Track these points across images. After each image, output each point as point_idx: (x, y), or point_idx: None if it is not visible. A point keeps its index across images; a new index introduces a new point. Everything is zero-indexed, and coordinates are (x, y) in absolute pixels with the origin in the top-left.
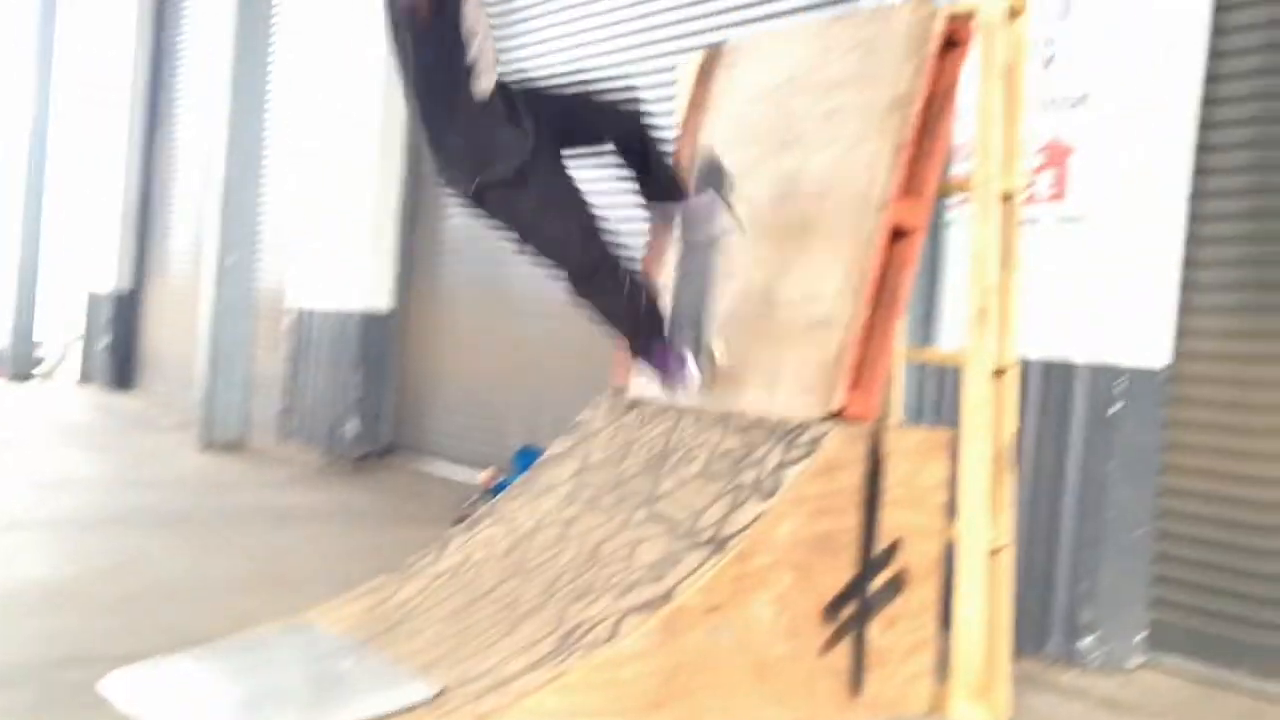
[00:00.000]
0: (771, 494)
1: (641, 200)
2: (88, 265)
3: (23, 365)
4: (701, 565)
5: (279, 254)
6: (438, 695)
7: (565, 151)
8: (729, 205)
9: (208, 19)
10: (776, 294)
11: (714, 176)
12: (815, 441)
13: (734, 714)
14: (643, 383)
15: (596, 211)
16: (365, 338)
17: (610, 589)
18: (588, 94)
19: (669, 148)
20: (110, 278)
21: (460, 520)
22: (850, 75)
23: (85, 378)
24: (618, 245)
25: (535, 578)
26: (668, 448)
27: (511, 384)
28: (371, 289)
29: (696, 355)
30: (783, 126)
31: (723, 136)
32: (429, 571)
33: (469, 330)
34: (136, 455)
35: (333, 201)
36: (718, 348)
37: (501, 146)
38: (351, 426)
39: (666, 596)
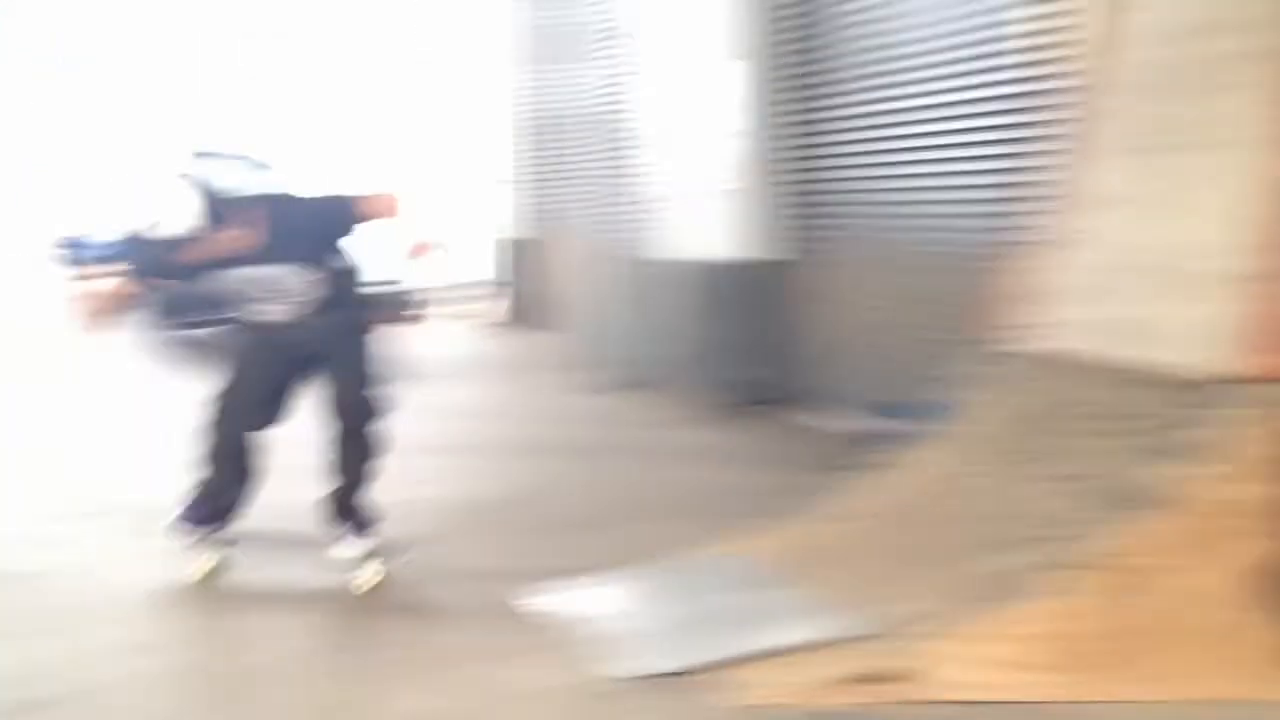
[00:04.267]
0: (1197, 454)
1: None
2: (497, 212)
3: (394, 305)
4: (1137, 525)
5: (677, 201)
6: (871, 633)
7: None
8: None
9: None
10: (1163, 249)
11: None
12: (1245, 403)
13: (1177, 683)
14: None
15: None
16: (758, 287)
17: (1026, 542)
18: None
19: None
20: (518, 224)
21: (844, 468)
22: (1236, 20)
23: (496, 319)
24: None
25: (944, 526)
26: (1061, 403)
27: (894, 337)
28: (769, 239)
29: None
30: (1183, 74)
31: (1129, 81)
32: (841, 512)
33: (857, 283)
34: (541, 392)
35: (726, 149)
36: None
37: None
38: (742, 372)
39: (1105, 555)
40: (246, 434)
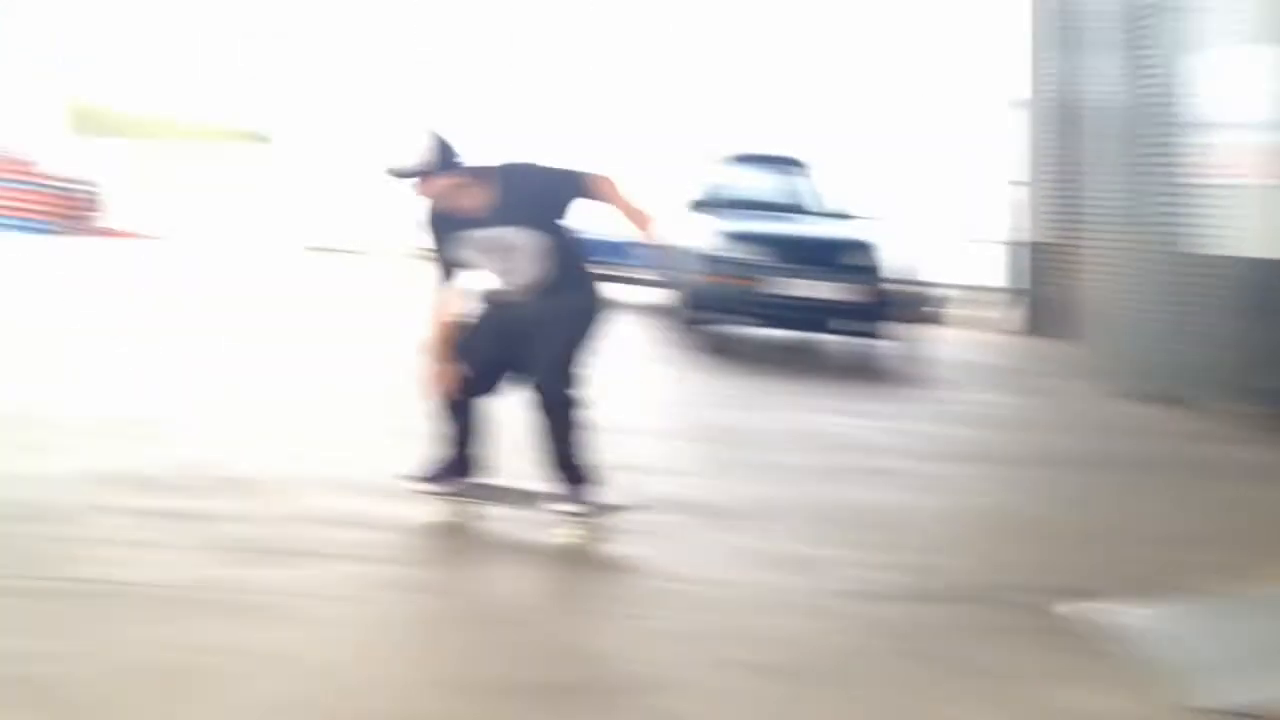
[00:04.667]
0: None
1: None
2: (1009, 213)
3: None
4: None
5: (1227, 192)
6: None
7: None
8: None
9: None
10: None
11: None
12: None
13: None
14: None
15: None
16: None
17: None
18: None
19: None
20: (1035, 225)
21: None
22: None
23: (1010, 326)
24: None
25: None
26: None
27: None
28: None
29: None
30: None
31: None
32: None
33: None
34: (1064, 401)
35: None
36: None
37: None
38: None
39: None
40: (475, 396)
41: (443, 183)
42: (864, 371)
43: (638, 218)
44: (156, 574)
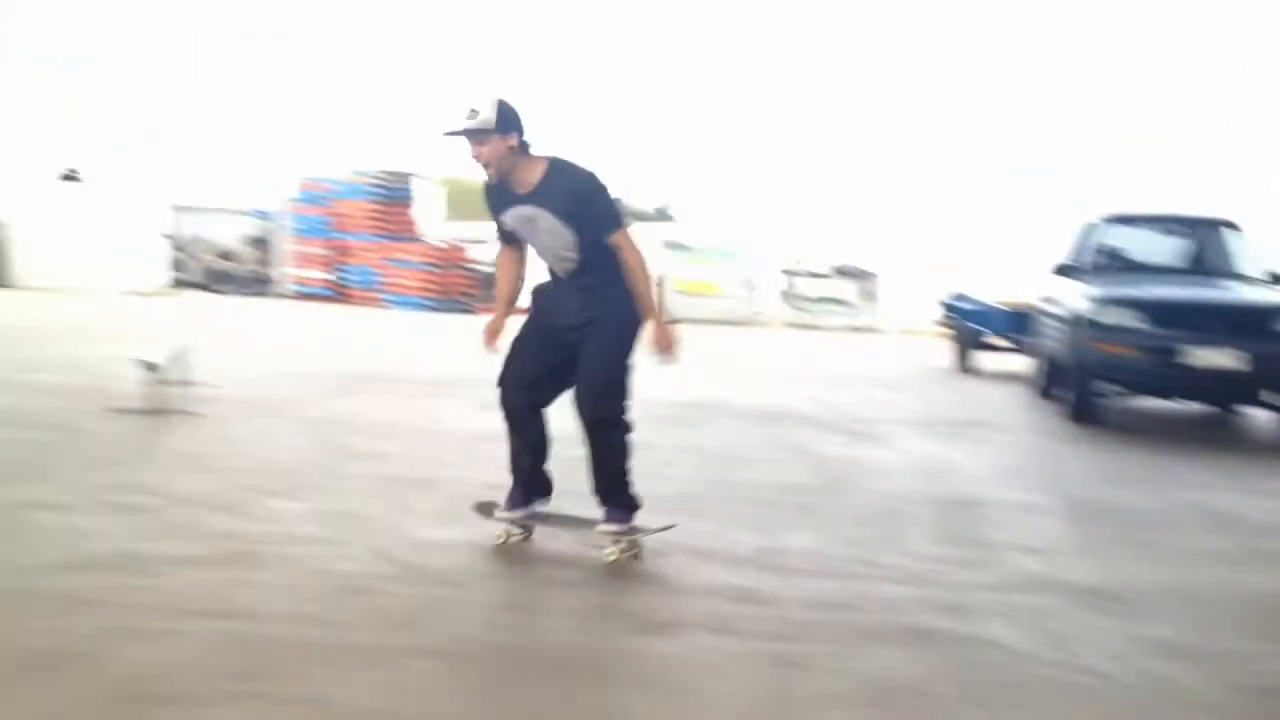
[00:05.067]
0: None
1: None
2: None
3: None
4: None
5: None
6: None
7: None
8: None
9: None
10: None
11: None
12: None
13: None
14: None
15: None
16: None
17: None
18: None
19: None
20: None
21: None
22: None
23: None
24: None
25: None
26: None
27: None
28: None
29: None
30: None
31: None
32: None
33: None
34: None
35: None
36: None
37: None
38: None
39: None
40: (529, 407)
41: (497, 145)
42: (1262, 447)
43: (638, 274)
44: (542, 639)
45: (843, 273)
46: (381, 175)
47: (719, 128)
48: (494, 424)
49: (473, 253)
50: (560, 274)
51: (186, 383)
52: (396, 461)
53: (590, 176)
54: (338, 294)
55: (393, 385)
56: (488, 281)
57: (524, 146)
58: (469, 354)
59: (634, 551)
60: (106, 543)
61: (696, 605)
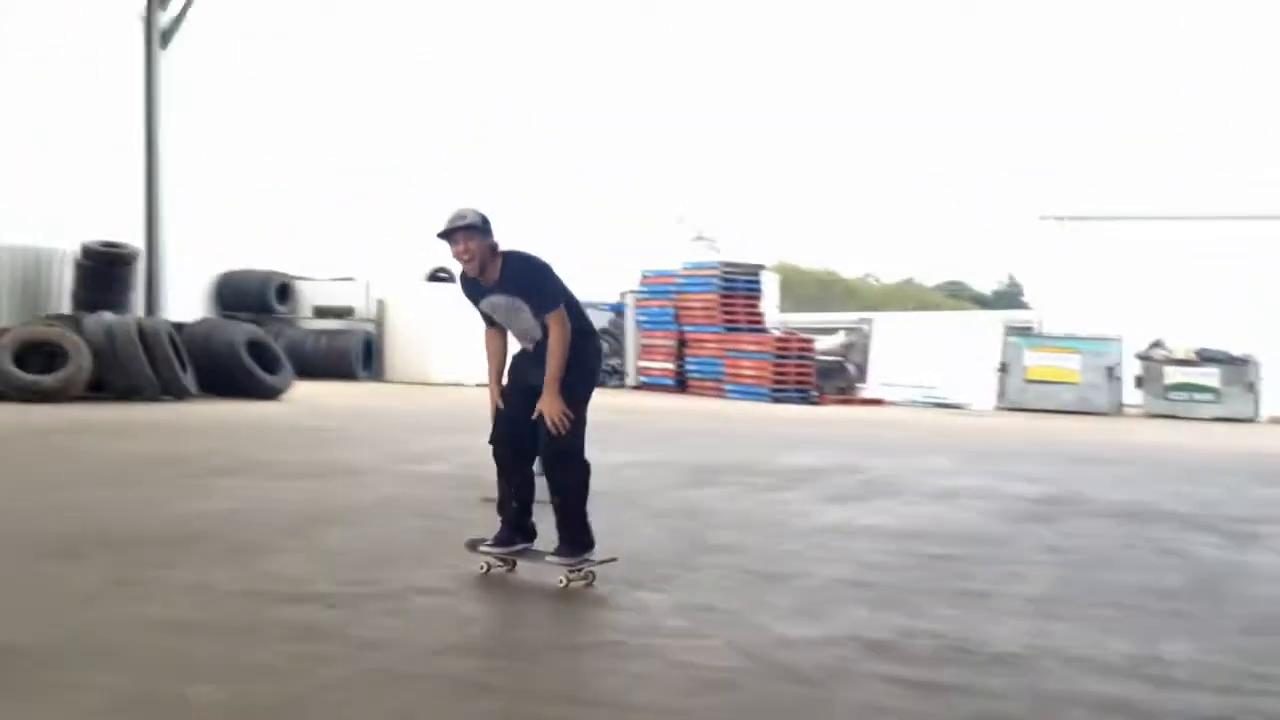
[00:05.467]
0: None
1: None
2: None
3: None
4: None
5: None
6: None
7: None
8: None
9: None
10: None
11: None
12: None
13: None
14: None
15: None
16: None
17: None
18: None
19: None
20: None
21: None
22: None
23: None
24: None
25: None
26: None
27: None
28: None
29: None
30: None
31: None
32: None
33: None
34: None
35: None
36: None
37: None
38: None
39: None
40: (513, 454)
41: (482, 243)
42: None
43: (556, 349)
44: None
45: (1210, 359)
46: (727, 266)
47: (1072, 213)
48: (847, 516)
49: (813, 342)
50: (528, 346)
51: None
52: (751, 554)
53: (536, 263)
54: (680, 384)
55: (741, 476)
56: (826, 371)
57: (495, 246)
58: (810, 445)
59: (587, 581)
60: (486, 627)
61: (1066, 716)
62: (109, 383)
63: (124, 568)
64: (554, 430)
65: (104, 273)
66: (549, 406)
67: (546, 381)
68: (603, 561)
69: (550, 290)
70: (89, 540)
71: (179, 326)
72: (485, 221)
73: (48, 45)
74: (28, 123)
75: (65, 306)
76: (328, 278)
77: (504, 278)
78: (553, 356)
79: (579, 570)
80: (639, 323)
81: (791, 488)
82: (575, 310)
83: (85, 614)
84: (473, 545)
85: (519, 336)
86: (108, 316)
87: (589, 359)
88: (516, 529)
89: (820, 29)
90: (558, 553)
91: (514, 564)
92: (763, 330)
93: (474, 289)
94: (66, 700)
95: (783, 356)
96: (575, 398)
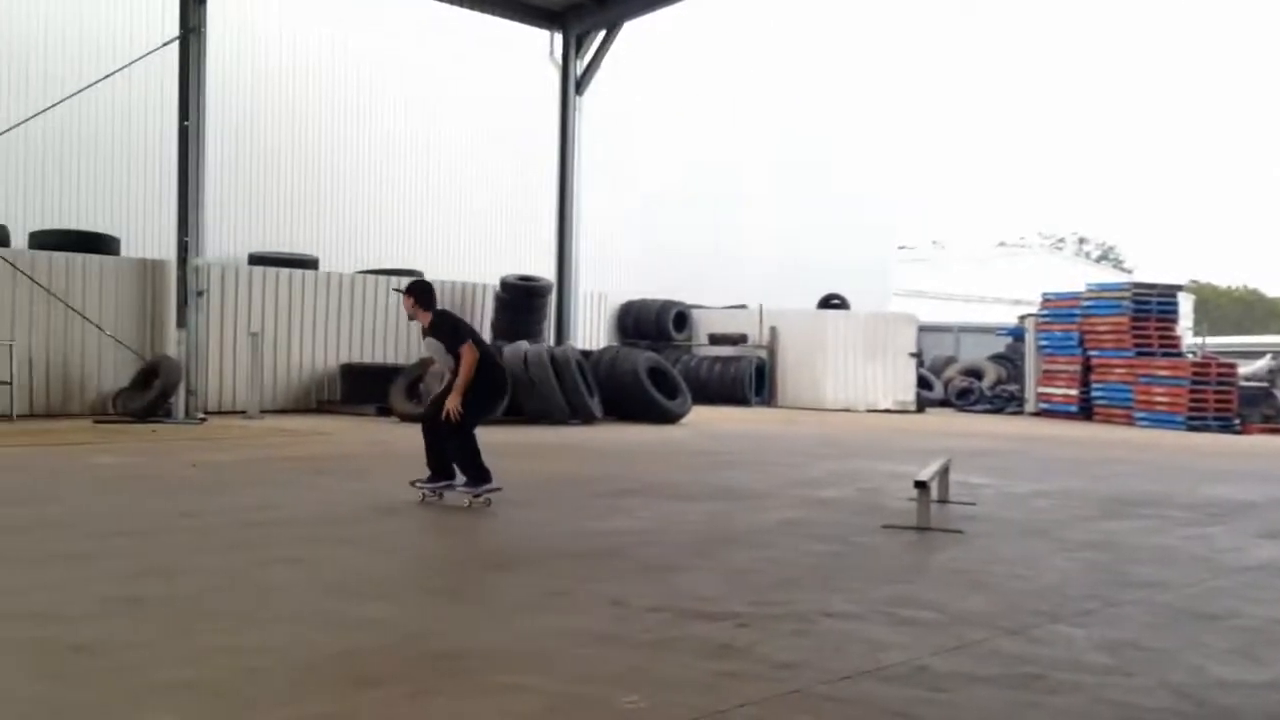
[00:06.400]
0: None
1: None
2: None
3: None
4: None
5: None
6: None
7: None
8: None
9: None
10: None
11: None
12: None
13: None
14: None
15: None
16: None
17: None
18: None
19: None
20: None
21: None
22: None
23: None
24: None
25: None
26: None
27: None
28: None
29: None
30: None
31: None
32: None
33: None
34: None
35: None
36: None
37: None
38: None
39: None
40: (432, 434)
41: (406, 305)
42: None
43: (463, 370)
44: None
45: None
46: (1138, 288)
47: None
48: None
49: (1234, 367)
50: (446, 374)
51: (945, 500)
52: (1176, 591)
53: (452, 318)
54: (1084, 411)
55: (1159, 508)
56: (1250, 398)
57: (430, 304)
58: (1235, 477)
59: (487, 503)
60: (898, 654)
61: None
62: (522, 406)
63: (549, 580)
64: (445, 418)
65: (520, 304)
66: (450, 402)
67: (456, 389)
68: (495, 489)
69: (460, 335)
70: (513, 555)
71: (586, 354)
72: (423, 290)
73: (474, 106)
74: (457, 172)
75: (486, 335)
76: (721, 306)
77: (433, 326)
78: (461, 375)
79: (480, 496)
80: (1040, 347)
81: (1217, 522)
82: (483, 347)
83: (520, 623)
84: (413, 483)
85: (443, 366)
86: (524, 345)
87: (489, 376)
88: (439, 473)
89: (1235, 26)
90: (466, 486)
91: (441, 494)
92: (1178, 354)
93: (423, 334)
94: (508, 701)
95: (1201, 382)
96: (469, 401)
